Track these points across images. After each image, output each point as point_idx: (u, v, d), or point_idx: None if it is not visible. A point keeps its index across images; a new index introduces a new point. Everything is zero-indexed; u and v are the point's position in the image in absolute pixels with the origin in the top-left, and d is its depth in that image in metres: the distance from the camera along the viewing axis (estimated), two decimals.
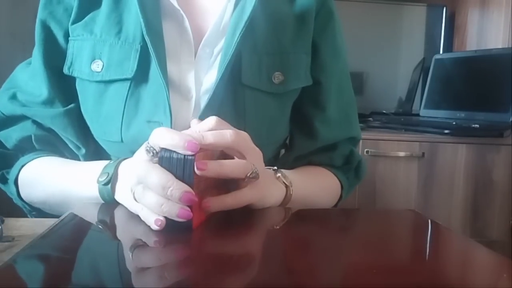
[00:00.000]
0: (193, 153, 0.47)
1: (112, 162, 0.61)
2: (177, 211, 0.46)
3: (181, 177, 0.48)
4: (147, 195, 0.48)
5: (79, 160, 0.73)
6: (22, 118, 0.71)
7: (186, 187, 0.47)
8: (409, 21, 1.97)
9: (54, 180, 0.67)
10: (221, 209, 0.52)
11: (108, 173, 0.58)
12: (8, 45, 1.59)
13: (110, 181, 0.58)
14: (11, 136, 0.72)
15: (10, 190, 0.73)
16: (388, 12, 1.94)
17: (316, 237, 0.53)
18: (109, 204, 0.58)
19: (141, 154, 0.52)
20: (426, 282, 0.39)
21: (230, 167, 0.51)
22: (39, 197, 0.70)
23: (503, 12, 1.74)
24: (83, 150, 0.71)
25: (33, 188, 0.70)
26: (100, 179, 0.58)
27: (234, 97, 0.67)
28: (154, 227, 0.47)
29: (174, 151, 0.48)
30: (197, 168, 0.47)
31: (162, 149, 0.49)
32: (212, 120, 0.54)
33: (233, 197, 0.52)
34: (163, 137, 0.49)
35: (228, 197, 0.52)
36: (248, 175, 0.52)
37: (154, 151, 0.50)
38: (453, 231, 0.56)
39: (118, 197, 0.57)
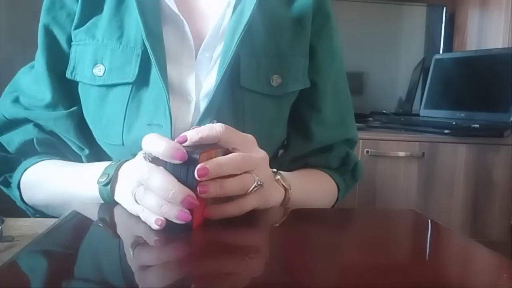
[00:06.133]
0: (181, 161, 0.48)
1: (113, 163, 0.61)
2: (176, 213, 0.47)
3: (184, 179, 0.48)
4: (147, 196, 0.48)
5: (81, 161, 0.73)
6: (24, 121, 0.72)
7: (188, 191, 0.47)
8: (409, 21, 1.97)
9: (56, 182, 0.68)
10: (222, 217, 0.51)
11: (109, 174, 0.58)
12: (8, 45, 1.59)
13: (110, 182, 0.58)
14: (13, 140, 0.72)
15: (13, 194, 0.73)
16: (388, 12, 1.94)
17: (316, 237, 0.53)
18: (109, 204, 0.58)
19: (141, 158, 0.52)
20: (426, 282, 0.39)
21: (230, 188, 0.50)
22: (41, 200, 0.70)
23: (503, 12, 1.74)
24: (86, 151, 0.72)
25: (35, 191, 0.70)
26: (100, 180, 0.59)
27: (233, 100, 0.68)
28: (155, 226, 0.47)
29: None
30: (198, 175, 0.47)
31: None
32: (219, 126, 0.53)
33: (235, 205, 0.52)
34: (152, 145, 0.49)
35: (229, 205, 0.52)
36: (250, 190, 0.52)
37: (149, 158, 0.50)
38: (453, 231, 0.56)
39: (118, 198, 0.57)
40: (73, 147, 0.72)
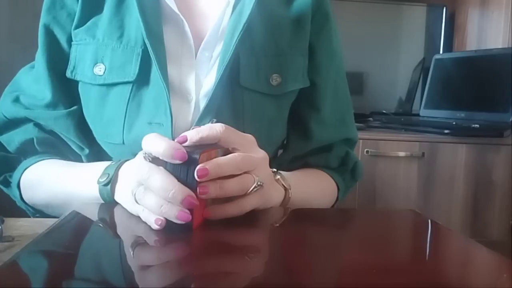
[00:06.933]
0: (181, 161, 0.48)
1: (113, 163, 0.61)
2: (176, 213, 0.47)
3: (184, 179, 0.48)
4: (147, 196, 0.48)
5: (81, 161, 0.73)
6: (24, 121, 0.72)
7: (188, 191, 0.47)
8: (409, 21, 1.97)
9: (56, 182, 0.68)
10: (222, 217, 0.51)
11: (109, 174, 0.58)
12: (8, 45, 1.59)
13: (110, 182, 0.58)
14: (14, 139, 0.72)
15: (13, 193, 0.73)
16: (388, 12, 1.94)
17: (317, 237, 0.53)
18: (109, 204, 0.58)
19: (141, 158, 0.52)
20: (426, 282, 0.39)
21: (230, 188, 0.51)
22: (41, 199, 0.70)
23: (503, 12, 1.74)
24: (86, 151, 0.72)
25: (35, 190, 0.70)
26: (100, 180, 0.59)
27: (232, 99, 0.68)
28: (155, 226, 0.47)
29: None
30: (198, 176, 0.47)
31: None
32: (219, 126, 0.53)
33: (235, 205, 0.52)
34: (153, 145, 0.49)
35: (230, 206, 0.52)
36: (250, 190, 0.52)
37: (149, 158, 0.50)
38: (453, 231, 0.56)
39: (118, 198, 0.57)
40: (73, 147, 0.72)
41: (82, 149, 0.72)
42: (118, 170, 0.59)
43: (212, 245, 0.47)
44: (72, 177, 0.67)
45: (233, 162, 0.51)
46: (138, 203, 0.50)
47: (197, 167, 0.47)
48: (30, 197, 0.72)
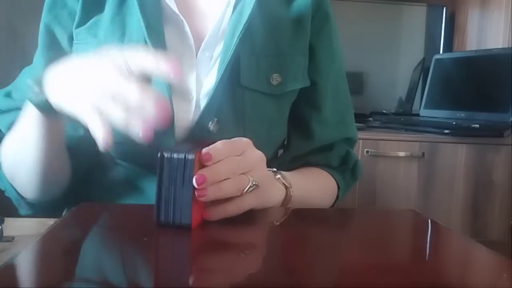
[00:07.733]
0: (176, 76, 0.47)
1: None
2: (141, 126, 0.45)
3: (181, 177, 0.48)
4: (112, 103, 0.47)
5: (74, 145, 0.70)
6: (18, 109, 0.71)
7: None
8: (409, 21, 1.97)
9: (11, 136, 0.67)
10: (222, 217, 0.52)
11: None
12: (8, 45, 1.59)
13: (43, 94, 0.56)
14: (5, 120, 0.71)
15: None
16: (388, 12, 1.94)
17: (317, 237, 0.53)
18: (109, 204, 0.58)
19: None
20: (426, 282, 0.39)
21: (227, 189, 0.51)
22: (9, 163, 0.68)
23: (503, 12, 1.74)
24: (81, 132, 0.69)
25: (4, 153, 0.69)
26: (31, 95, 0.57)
27: (233, 99, 0.68)
28: (102, 144, 0.47)
29: (175, 152, 0.48)
30: (197, 184, 0.48)
31: (163, 149, 0.49)
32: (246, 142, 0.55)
33: (234, 205, 0.53)
34: (140, 60, 0.48)
35: (228, 205, 0.52)
36: (245, 190, 0.53)
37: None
38: (453, 231, 0.56)
39: (58, 98, 0.55)
40: (68, 128, 0.68)
41: (77, 130, 0.68)
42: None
43: (212, 245, 0.47)
44: (19, 125, 0.65)
45: (229, 166, 0.52)
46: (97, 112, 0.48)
47: (195, 176, 0.48)
48: (6, 169, 0.69)
